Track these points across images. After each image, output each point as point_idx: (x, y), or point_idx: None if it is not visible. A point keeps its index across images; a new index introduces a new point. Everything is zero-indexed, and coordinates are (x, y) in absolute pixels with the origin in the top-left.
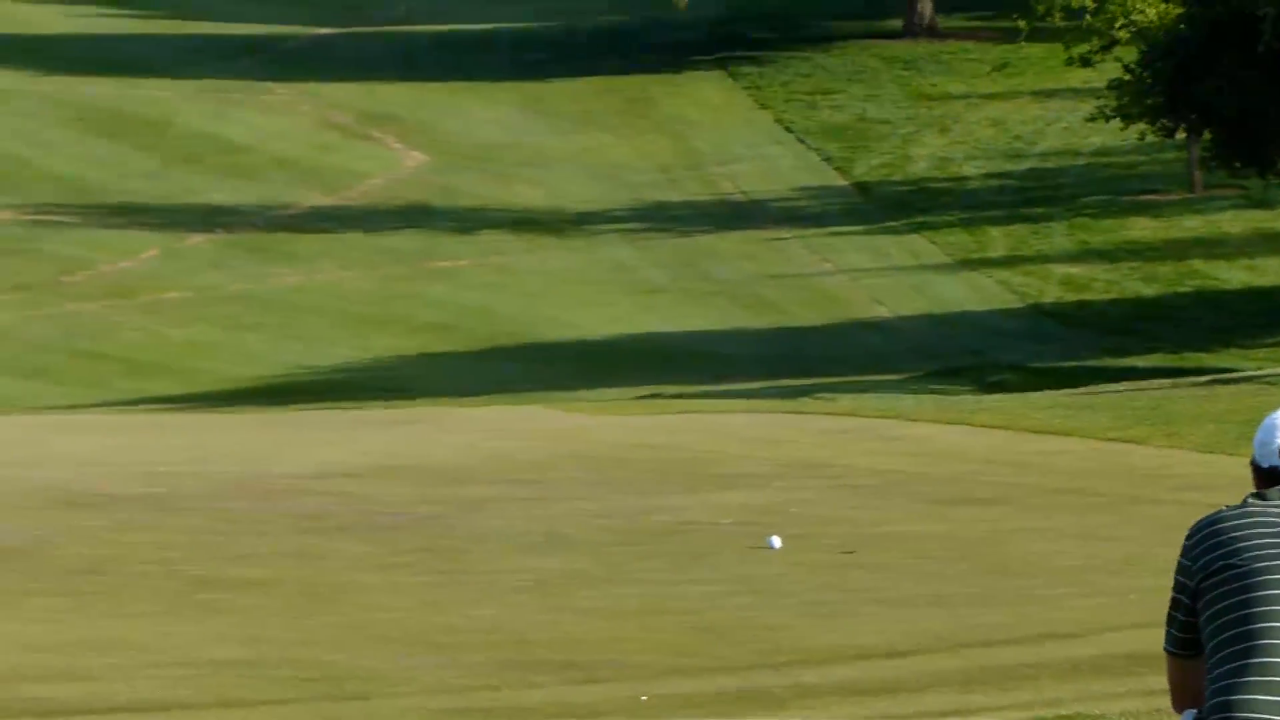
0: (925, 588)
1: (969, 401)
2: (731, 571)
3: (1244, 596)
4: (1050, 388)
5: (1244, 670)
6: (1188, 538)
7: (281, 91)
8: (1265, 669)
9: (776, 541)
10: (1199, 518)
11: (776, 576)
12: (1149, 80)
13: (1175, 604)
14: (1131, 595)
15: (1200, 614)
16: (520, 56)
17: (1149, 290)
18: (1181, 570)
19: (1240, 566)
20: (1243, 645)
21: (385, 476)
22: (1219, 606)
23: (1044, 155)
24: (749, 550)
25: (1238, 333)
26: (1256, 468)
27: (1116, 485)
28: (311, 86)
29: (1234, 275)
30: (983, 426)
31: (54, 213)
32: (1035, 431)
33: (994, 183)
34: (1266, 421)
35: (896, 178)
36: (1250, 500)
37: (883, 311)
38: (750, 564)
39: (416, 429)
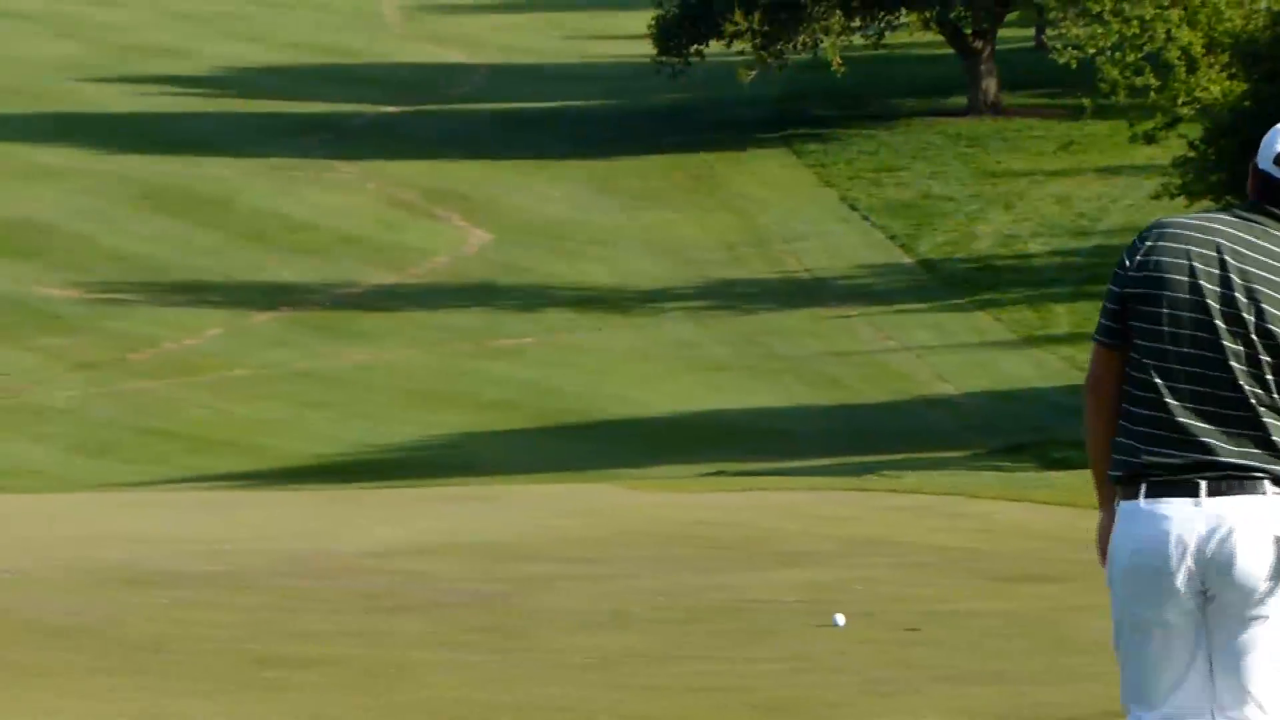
0: (987, 665)
1: (1032, 478)
2: (793, 649)
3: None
4: None
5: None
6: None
7: (346, 169)
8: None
9: (841, 619)
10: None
11: (838, 654)
12: (1213, 157)
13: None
14: None
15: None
16: (585, 134)
17: None
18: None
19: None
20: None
21: (448, 554)
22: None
23: (1109, 232)
24: (811, 628)
25: None
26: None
27: None
28: (376, 164)
29: None
30: (1045, 504)
31: (118, 290)
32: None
33: (1058, 259)
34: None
35: (961, 255)
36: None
37: (947, 388)
38: (812, 641)
39: (480, 506)
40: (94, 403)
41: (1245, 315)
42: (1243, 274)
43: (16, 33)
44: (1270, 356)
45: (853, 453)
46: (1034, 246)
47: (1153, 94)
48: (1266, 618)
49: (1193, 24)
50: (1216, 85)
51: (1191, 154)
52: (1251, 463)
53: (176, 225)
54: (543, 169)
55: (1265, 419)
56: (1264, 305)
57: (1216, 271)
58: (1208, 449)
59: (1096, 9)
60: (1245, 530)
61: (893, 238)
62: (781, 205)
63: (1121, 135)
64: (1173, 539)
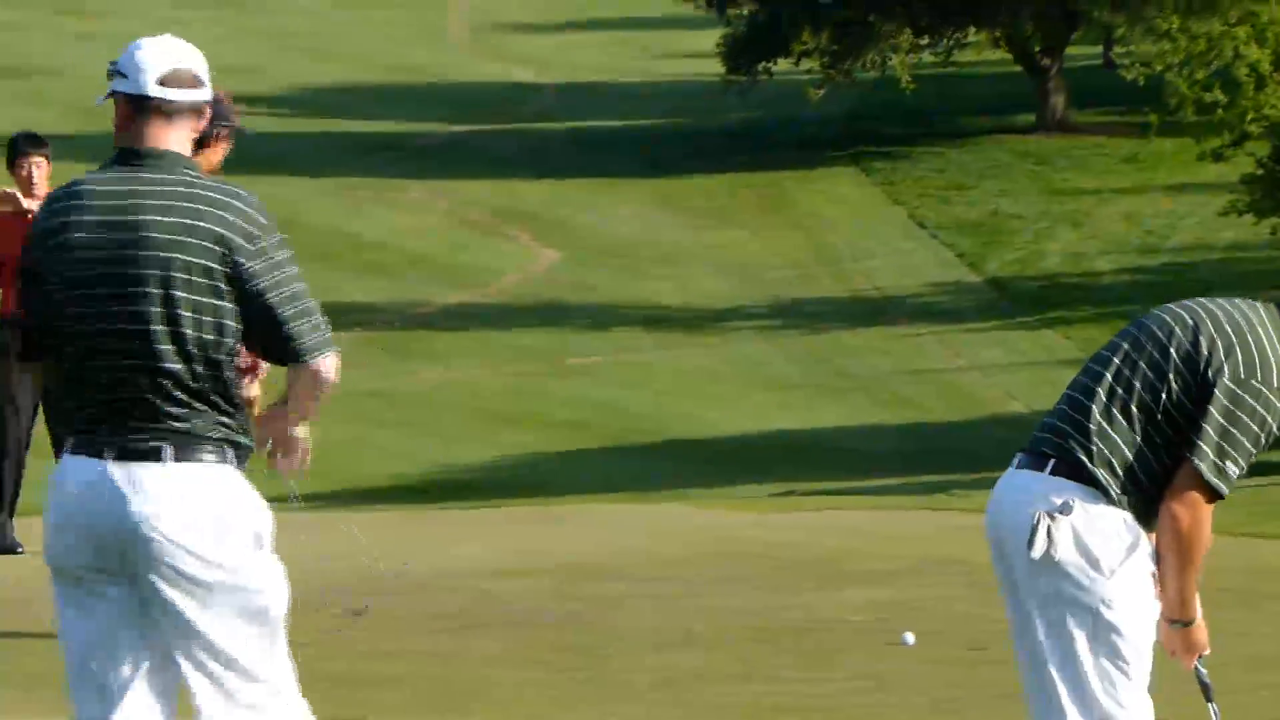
0: None
1: None
2: (862, 669)
3: None
4: None
5: None
6: None
7: (415, 189)
8: None
9: (910, 638)
10: None
11: (906, 673)
12: None
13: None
14: (1263, 692)
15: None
16: (653, 152)
17: None
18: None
19: None
20: None
21: (520, 574)
22: None
23: (1177, 250)
24: (881, 647)
25: None
26: None
27: (1247, 580)
28: (444, 184)
29: None
30: None
31: None
32: None
33: (1127, 277)
34: None
35: (1029, 273)
36: None
37: (1017, 407)
38: (880, 661)
39: (551, 526)
40: None
41: None
42: None
43: (85, 53)
44: None
45: (923, 471)
46: (1102, 264)
47: (1220, 111)
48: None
49: (1260, 41)
50: None
51: (1259, 171)
52: None
53: None
54: (611, 188)
55: None
56: None
57: None
58: None
59: (1164, 26)
60: None
61: (961, 256)
62: (850, 223)
63: (1189, 153)
64: None
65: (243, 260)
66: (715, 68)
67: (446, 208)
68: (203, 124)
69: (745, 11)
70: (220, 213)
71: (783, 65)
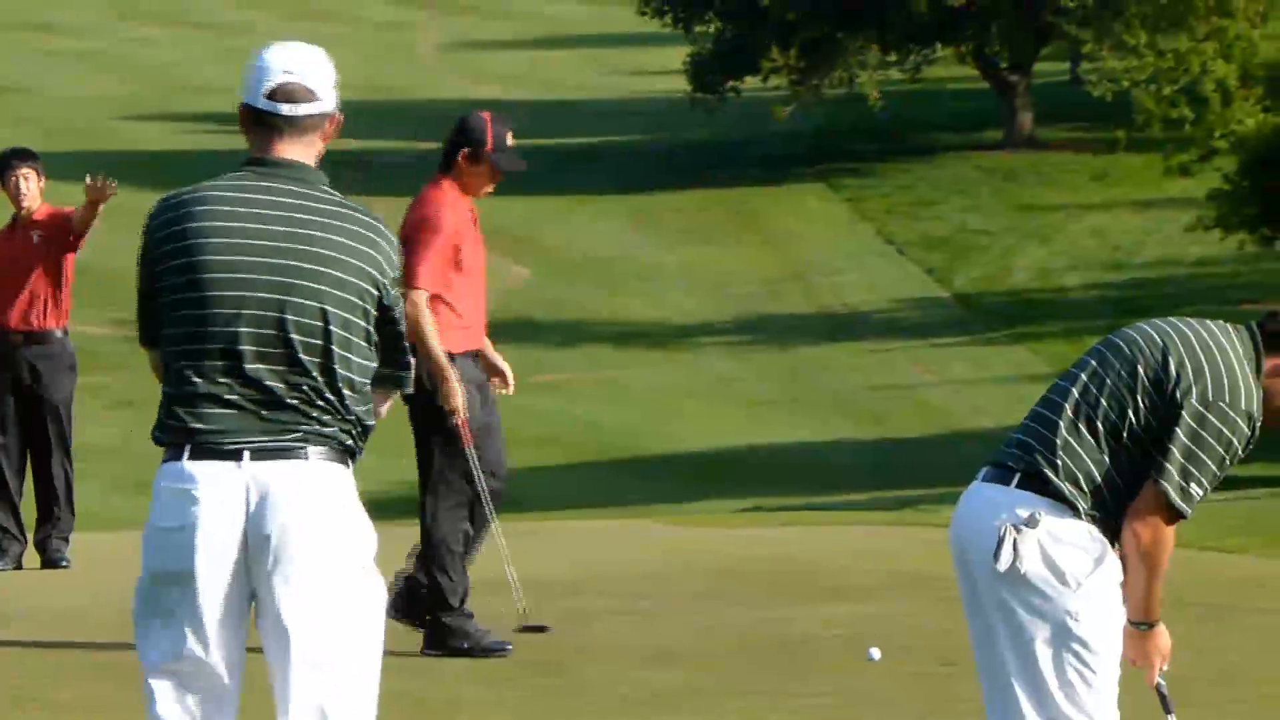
0: None
1: None
2: (836, 683)
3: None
4: None
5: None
6: None
7: (383, 207)
8: None
9: (876, 653)
10: None
11: (879, 689)
12: (1248, 189)
13: None
14: (1230, 706)
15: None
16: (624, 169)
17: None
18: None
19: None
20: None
21: (492, 590)
22: None
23: (1145, 265)
24: (852, 662)
25: None
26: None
27: (1213, 595)
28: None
29: None
30: None
31: None
32: None
33: (1094, 293)
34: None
35: (997, 289)
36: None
37: (985, 422)
38: (854, 676)
39: (521, 541)
40: (134, 441)
41: None
42: None
43: (60, 71)
44: None
45: (892, 487)
46: (1070, 280)
47: (1188, 126)
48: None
49: (1228, 57)
50: (1251, 118)
51: (1226, 187)
52: None
53: None
54: (582, 204)
55: None
56: None
57: None
58: None
59: (1132, 42)
60: None
61: (930, 271)
62: (819, 239)
63: (1156, 168)
64: None
65: (391, 291)
66: (684, 85)
67: None
68: (330, 134)
69: (712, 29)
70: (375, 239)
71: (750, 83)
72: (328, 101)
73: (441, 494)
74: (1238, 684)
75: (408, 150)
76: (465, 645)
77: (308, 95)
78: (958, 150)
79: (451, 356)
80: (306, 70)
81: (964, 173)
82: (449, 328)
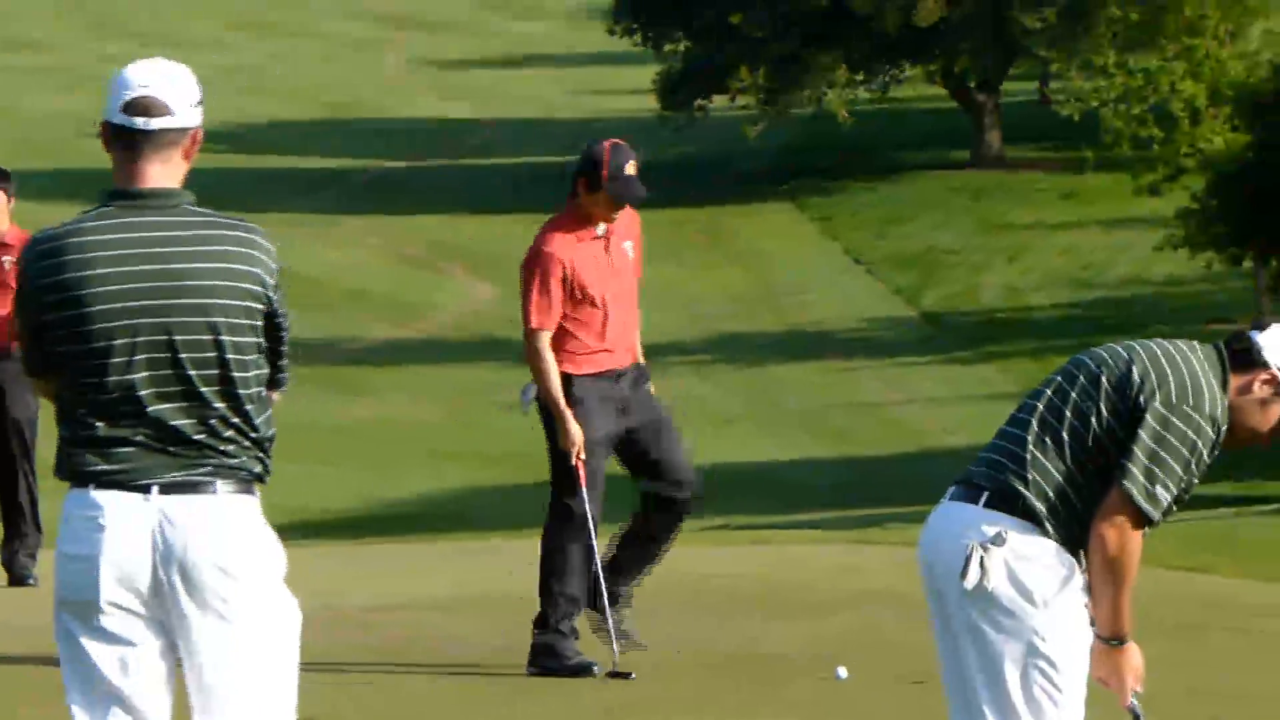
0: None
1: None
2: (802, 699)
3: None
4: None
5: None
6: None
7: (351, 224)
8: None
9: (843, 672)
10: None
11: (848, 706)
12: (1216, 209)
13: None
14: None
15: None
16: None
17: None
18: None
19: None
20: None
21: (458, 608)
22: None
23: (1113, 284)
24: (819, 680)
25: None
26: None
27: (1182, 613)
28: (382, 219)
29: None
30: None
31: None
32: None
33: (1063, 312)
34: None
35: (965, 307)
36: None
37: (953, 440)
38: (819, 693)
39: (489, 559)
40: None
41: None
42: None
43: (21, 86)
44: None
45: (860, 505)
46: (1038, 299)
47: (1156, 146)
48: None
49: (1196, 76)
50: (1220, 137)
51: (1194, 205)
52: None
53: None
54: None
55: None
56: None
57: None
58: None
59: (1100, 61)
60: None
61: (898, 290)
62: (787, 258)
63: (1125, 187)
64: None
65: (274, 296)
66: (652, 104)
67: (383, 243)
68: (191, 152)
69: (681, 48)
70: (250, 251)
71: (719, 101)
72: (185, 117)
73: (558, 513)
74: (1206, 702)
75: (376, 168)
76: (553, 665)
77: (163, 109)
78: (926, 169)
79: (570, 380)
80: (163, 85)
81: (932, 192)
82: (575, 354)
